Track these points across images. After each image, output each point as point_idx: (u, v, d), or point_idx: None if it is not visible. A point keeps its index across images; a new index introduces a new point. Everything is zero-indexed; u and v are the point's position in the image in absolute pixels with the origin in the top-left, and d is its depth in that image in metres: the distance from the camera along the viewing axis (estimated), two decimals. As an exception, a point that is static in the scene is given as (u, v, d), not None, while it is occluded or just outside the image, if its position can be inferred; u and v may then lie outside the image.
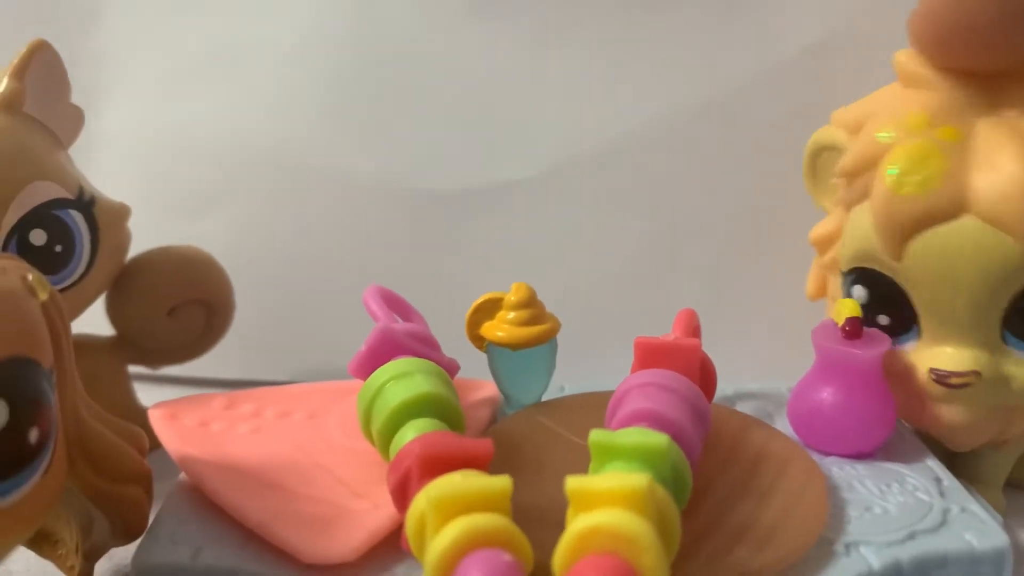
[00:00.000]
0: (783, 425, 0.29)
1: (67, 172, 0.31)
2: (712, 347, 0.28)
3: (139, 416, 0.30)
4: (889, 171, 0.26)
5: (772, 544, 0.23)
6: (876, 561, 0.23)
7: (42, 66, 0.30)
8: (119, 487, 0.23)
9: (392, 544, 0.23)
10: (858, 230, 0.28)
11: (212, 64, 0.41)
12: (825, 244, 0.31)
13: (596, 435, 0.22)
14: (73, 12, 0.41)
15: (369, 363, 0.26)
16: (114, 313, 0.34)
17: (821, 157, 0.31)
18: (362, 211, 0.40)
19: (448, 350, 0.29)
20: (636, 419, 0.23)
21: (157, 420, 0.29)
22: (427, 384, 0.24)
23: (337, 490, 0.25)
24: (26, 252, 0.29)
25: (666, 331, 0.28)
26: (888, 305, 0.28)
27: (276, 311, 0.41)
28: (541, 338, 0.29)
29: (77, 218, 0.31)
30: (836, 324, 0.28)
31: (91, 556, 0.24)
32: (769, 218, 0.38)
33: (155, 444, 0.28)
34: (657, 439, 0.21)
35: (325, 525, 0.23)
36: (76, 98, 0.32)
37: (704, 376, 0.27)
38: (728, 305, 0.38)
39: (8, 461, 0.19)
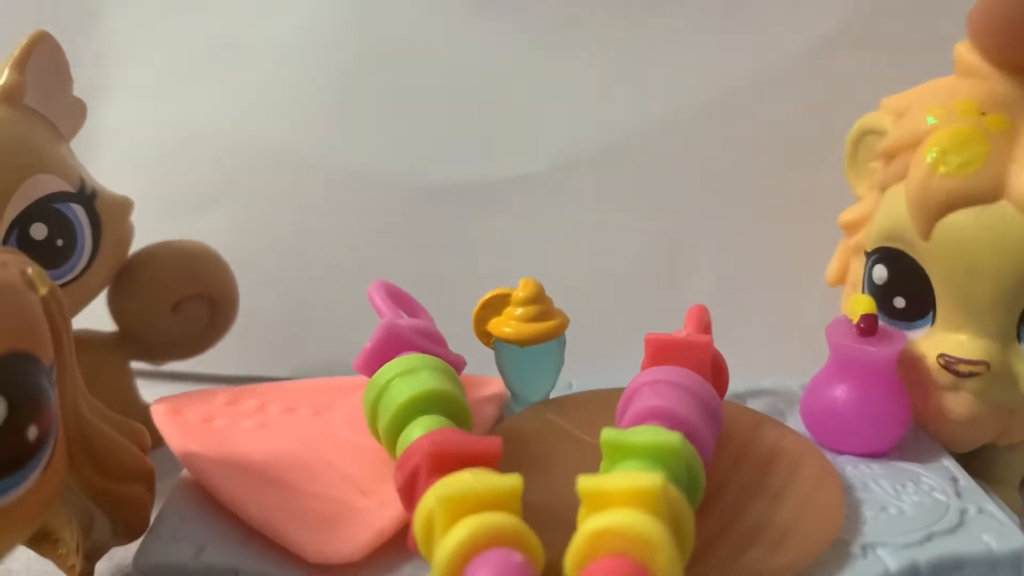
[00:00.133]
0: (795, 423, 0.29)
1: (68, 165, 0.30)
2: (723, 343, 0.28)
3: (141, 413, 0.30)
4: (930, 150, 0.26)
5: (786, 545, 0.22)
6: (893, 563, 0.22)
7: (43, 58, 0.30)
8: (120, 485, 0.23)
9: (399, 543, 0.23)
10: (890, 209, 0.28)
11: (213, 61, 0.41)
12: (854, 228, 0.31)
13: (608, 433, 0.21)
14: (74, 10, 0.41)
15: (375, 359, 0.26)
16: (116, 308, 0.34)
17: (864, 141, 0.31)
18: (367, 207, 0.40)
19: (454, 346, 0.28)
20: (648, 417, 0.23)
21: (160, 415, 0.29)
22: (433, 381, 0.24)
23: (343, 487, 0.25)
24: (27, 246, 0.29)
25: (677, 327, 0.27)
26: (907, 287, 0.28)
27: (279, 307, 0.41)
28: (549, 334, 0.28)
29: (79, 212, 0.30)
30: (850, 321, 0.27)
31: (92, 555, 0.24)
32: (782, 213, 0.38)
33: (157, 441, 0.27)
34: (670, 438, 0.21)
35: (330, 523, 0.23)
36: (78, 93, 0.32)
37: (716, 373, 0.27)
38: (739, 301, 0.38)
39: (7, 459, 0.19)
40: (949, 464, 0.27)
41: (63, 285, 0.30)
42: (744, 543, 0.22)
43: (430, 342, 0.27)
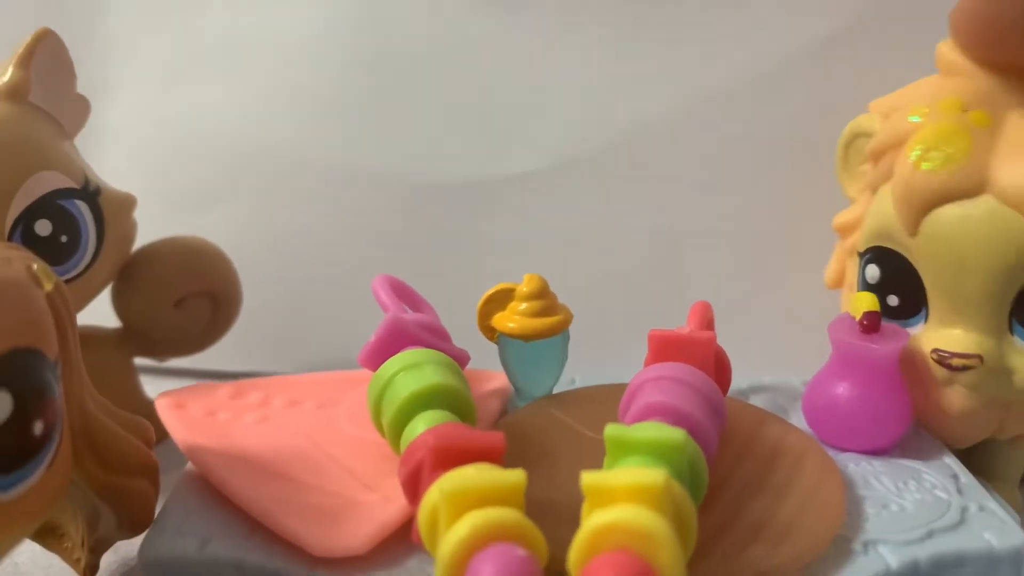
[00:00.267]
0: (797, 419, 0.29)
1: (72, 162, 0.31)
2: (726, 339, 0.28)
3: (145, 408, 0.30)
4: (914, 148, 0.26)
5: (788, 542, 0.22)
6: (894, 560, 0.22)
7: (47, 55, 0.30)
8: (125, 480, 0.23)
9: (403, 537, 0.23)
10: (879, 209, 0.28)
11: (217, 58, 0.41)
12: (848, 230, 0.31)
13: (612, 429, 0.21)
14: (78, 8, 0.41)
15: (379, 354, 0.26)
16: (120, 304, 0.34)
17: (854, 144, 0.31)
18: (370, 204, 0.40)
19: (458, 341, 0.28)
20: (651, 413, 0.23)
21: (164, 409, 0.29)
22: (437, 375, 0.24)
23: (347, 481, 0.25)
24: (31, 242, 0.29)
25: (680, 323, 0.27)
26: (899, 285, 0.28)
27: (283, 303, 0.41)
28: (553, 329, 0.28)
29: (82, 208, 0.30)
30: (852, 318, 0.27)
31: (97, 549, 0.24)
32: (784, 210, 0.38)
33: (161, 435, 0.28)
34: (674, 434, 0.21)
35: (334, 517, 0.23)
36: (82, 90, 0.32)
37: (719, 369, 0.27)
38: (742, 298, 0.38)
39: (12, 454, 0.19)
40: (950, 461, 0.27)
41: (67, 281, 0.30)
42: (747, 539, 0.22)
43: (434, 337, 0.27)
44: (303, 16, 0.40)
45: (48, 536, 0.24)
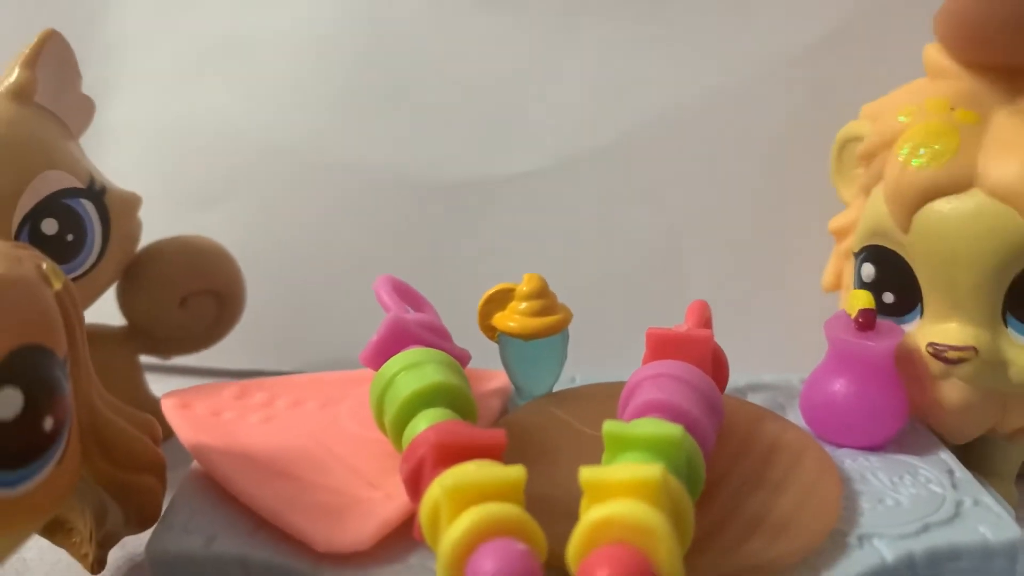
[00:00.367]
0: (795, 417, 0.29)
1: (78, 161, 0.31)
2: (723, 338, 0.28)
3: (151, 406, 0.30)
4: (903, 146, 0.27)
5: (785, 536, 0.23)
6: (889, 553, 0.23)
7: (53, 56, 0.31)
8: (132, 476, 0.23)
9: (405, 533, 0.23)
10: (872, 208, 0.28)
11: (221, 59, 0.41)
12: (844, 233, 0.31)
13: (609, 426, 0.21)
14: (83, 8, 0.41)
15: (381, 353, 0.26)
16: (125, 303, 0.34)
17: (847, 149, 0.31)
18: (373, 202, 0.40)
19: (459, 340, 0.28)
20: (649, 410, 0.23)
21: (169, 409, 0.29)
22: (439, 374, 0.24)
23: (350, 479, 0.25)
24: (38, 241, 0.29)
25: (678, 322, 0.27)
26: (894, 283, 0.28)
27: (286, 302, 0.41)
28: (553, 328, 0.28)
29: (88, 207, 0.31)
30: (849, 316, 0.28)
31: (105, 544, 0.24)
32: (783, 209, 0.38)
33: (168, 433, 0.28)
34: (671, 430, 0.21)
35: (338, 514, 0.23)
36: (87, 91, 0.32)
37: (716, 367, 0.27)
38: (740, 296, 0.38)
39: (23, 449, 0.19)
40: (946, 457, 0.27)
41: (73, 280, 0.30)
42: (745, 533, 0.23)
43: (435, 336, 0.27)
44: (306, 17, 0.40)
45: (56, 531, 0.25)
